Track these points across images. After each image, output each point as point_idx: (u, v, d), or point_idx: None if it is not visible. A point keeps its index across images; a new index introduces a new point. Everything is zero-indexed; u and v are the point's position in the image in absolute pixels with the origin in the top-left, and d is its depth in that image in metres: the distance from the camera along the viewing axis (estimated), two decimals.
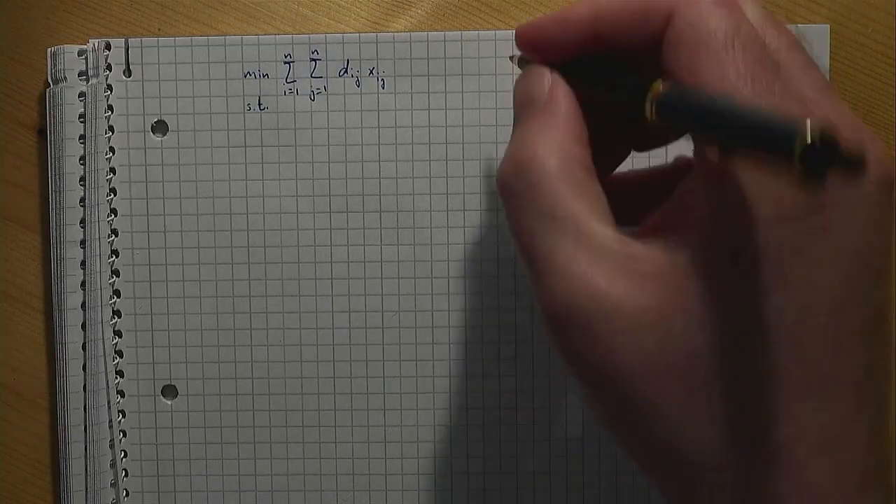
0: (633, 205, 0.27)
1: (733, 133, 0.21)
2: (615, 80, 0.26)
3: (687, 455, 0.23)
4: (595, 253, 0.24)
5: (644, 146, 0.30)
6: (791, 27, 0.26)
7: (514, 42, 0.28)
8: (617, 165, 0.29)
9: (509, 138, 0.29)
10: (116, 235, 0.33)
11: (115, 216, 0.33)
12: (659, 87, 0.23)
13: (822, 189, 0.20)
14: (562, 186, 0.24)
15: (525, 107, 0.27)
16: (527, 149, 0.25)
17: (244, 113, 0.33)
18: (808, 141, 0.18)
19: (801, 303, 0.22)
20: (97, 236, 0.33)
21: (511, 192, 0.25)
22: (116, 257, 0.34)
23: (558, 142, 0.25)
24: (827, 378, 0.23)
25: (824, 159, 0.18)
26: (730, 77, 0.23)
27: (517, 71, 0.28)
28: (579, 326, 0.23)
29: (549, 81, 0.27)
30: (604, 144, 0.27)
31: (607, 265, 0.23)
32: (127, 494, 0.34)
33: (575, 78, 0.27)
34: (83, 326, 0.34)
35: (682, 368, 0.23)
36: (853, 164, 0.18)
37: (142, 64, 0.33)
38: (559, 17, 0.27)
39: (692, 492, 0.24)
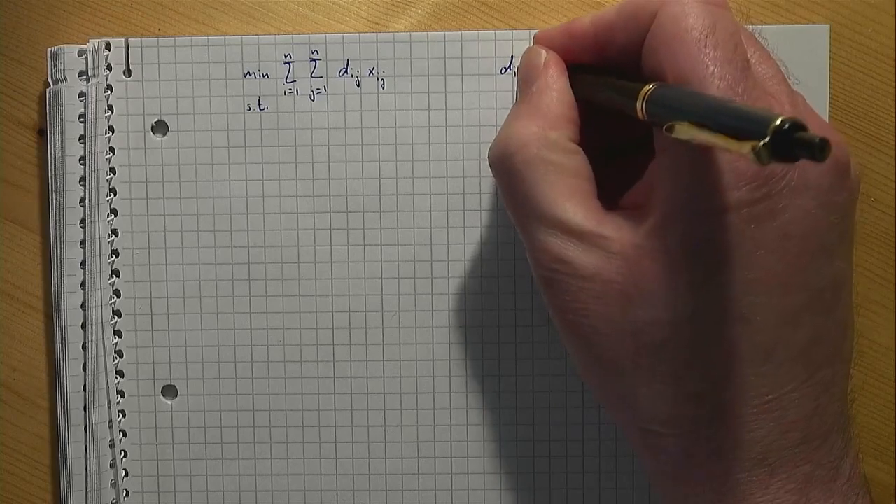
0: (629, 177, 0.30)
1: (709, 122, 0.22)
2: (612, 84, 0.28)
3: (639, 408, 0.27)
4: (567, 233, 0.27)
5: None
6: (748, 27, 0.27)
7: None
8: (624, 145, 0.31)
9: None
10: (116, 235, 0.33)
11: (115, 216, 0.33)
12: (648, 88, 0.25)
13: (793, 167, 0.24)
14: (536, 175, 0.27)
15: (521, 88, 0.30)
16: (509, 135, 0.28)
17: (244, 113, 0.33)
18: (779, 123, 0.20)
19: (748, 282, 0.25)
20: (97, 236, 0.33)
21: (497, 173, 0.29)
22: (116, 257, 0.34)
23: (538, 128, 0.28)
24: (773, 347, 0.25)
25: (792, 142, 0.20)
26: (700, 73, 0.25)
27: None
28: (560, 290, 0.27)
29: (542, 64, 0.30)
30: (610, 133, 0.30)
31: (578, 243, 0.26)
32: (127, 494, 0.34)
33: (580, 83, 0.29)
34: (83, 326, 0.34)
35: (636, 334, 0.26)
36: (818, 147, 0.19)
37: (142, 64, 0.33)
38: (567, 28, 0.30)
39: (645, 440, 0.27)
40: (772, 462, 0.25)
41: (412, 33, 0.33)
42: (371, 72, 0.33)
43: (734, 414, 0.25)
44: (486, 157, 0.33)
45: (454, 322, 0.33)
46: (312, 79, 0.33)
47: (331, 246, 0.33)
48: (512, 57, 0.33)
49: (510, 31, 0.33)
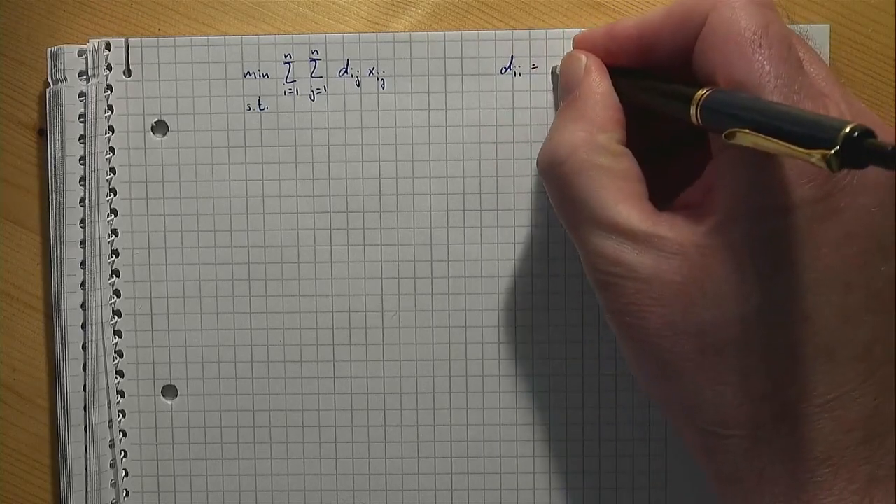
0: (678, 177, 0.29)
1: (772, 130, 0.22)
2: (661, 89, 0.28)
3: (700, 409, 0.26)
4: (622, 235, 0.27)
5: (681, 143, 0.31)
6: (793, 26, 0.27)
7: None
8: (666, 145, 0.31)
9: (512, 137, 0.33)
10: (116, 235, 0.33)
11: (115, 216, 0.33)
12: (702, 93, 0.25)
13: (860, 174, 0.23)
14: (587, 180, 0.27)
15: (563, 94, 0.30)
16: (557, 142, 0.28)
17: (244, 113, 0.33)
18: (848, 131, 0.20)
19: (810, 280, 0.25)
20: (97, 236, 0.33)
21: (546, 179, 0.29)
22: (116, 257, 0.34)
23: (585, 133, 0.28)
24: (834, 347, 0.25)
25: (863, 150, 0.20)
26: (756, 74, 0.25)
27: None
28: (617, 293, 0.27)
29: (583, 69, 0.30)
30: (650, 134, 0.30)
31: (635, 244, 0.26)
32: (127, 494, 0.34)
33: (624, 85, 0.29)
34: (83, 326, 0.34)
35: (698, 335, 0.26)
36: (891, 156, 0.19)
37: (142, 64, 0.33)
38: (610, 31, 0.30)
39: (706, 442, 0.27)
40: (835, 462, 0.25)
41: (412, 33, 0.33)
42: (371, 72, 0.33)
43: (797, 414, 0.25)
44: (484, 158, 0.33)
45: (454, 322, 0.33)
46: (312, 79, 0.33)
47: (331, 246, 0.33)
48: (512, 57, 0.33)
49: (510, 31, 0.33)
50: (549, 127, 0.33)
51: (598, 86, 0.29)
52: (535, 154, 0.33)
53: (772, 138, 0.22)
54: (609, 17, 0.33)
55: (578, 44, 0.31)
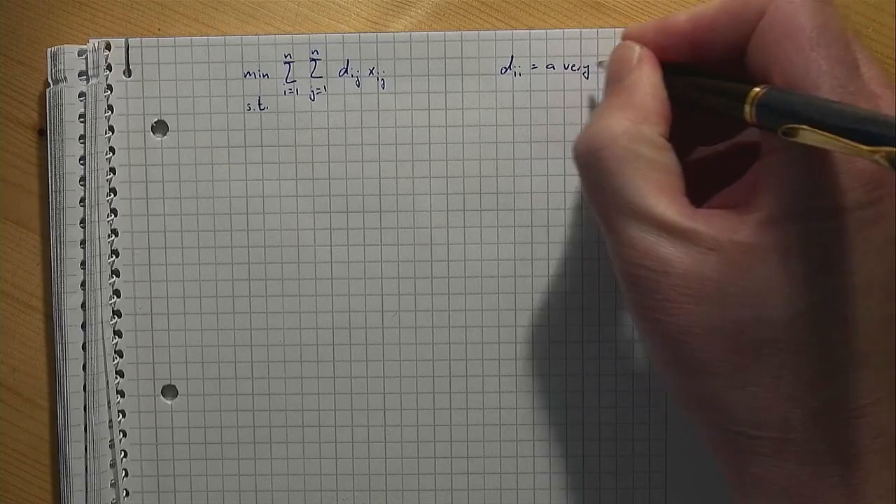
0: (714, 177, 0.29)
1: (833, 128, 0.22)
2: (713, 86, 0.27)
3: (730, 410, 0.26)
4: (658, 227, 0.26)
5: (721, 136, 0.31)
6: None
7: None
8: (709, 141, 0.31)
9: (512, 137, 0.33)
10: (116, 235, 0.33)
11: (115, 216, 0.33)
12: (758, 91, 0.25)
13: None
14: (627, 168, 0.27)
15: (610, 82, 0.29)
16: (599, 128, 0.27)
17: (244, 113, 0.33)
18: None
19: (852, 285, 0.24)
20: (97, 236, 0.33)
21: (583, 167, 0.28)
22: (116, 257, 0.34)
23: (630, 122, 0.27)
24: (871, 352, 0.25)
25: None
26: (812, 73, 0.24)
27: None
28: (650, 288, 0.26)
29: (636, 60, 0.29)
30: (695, 130, 0.30)
31: (672, 238, 0.26)
32: (127, 494, 0.34)
33: (673, 81, 0.29)
34: (83, 326, 0.34)
35: (734, 334, 0.25)
36: None
37: (142, 64, 0.33)
38: (661, 25, 0.29)
39: (733, 443, 0.26)
40: (864, 467, 0.25)
41: (412, 33, 0.33)
42: (371, 72, 0.33)
43: (829, 418, 0.25)
44: (484, 158, 0.33)
45: (454, 322, 0.33)
46: (312, 79, 0.33)
47: (331, 246, 0.33)
48: (512, 57, 0.33)
49: (510, 31, 0.33)
50: (548, 127, 0.33)
51: (648, 77, 0.28)
52: (536, 154, 0.33)
53: (833, 136, 0.22)
54: (609, 17, 0.33)
55: (629, 37, 0.30)
